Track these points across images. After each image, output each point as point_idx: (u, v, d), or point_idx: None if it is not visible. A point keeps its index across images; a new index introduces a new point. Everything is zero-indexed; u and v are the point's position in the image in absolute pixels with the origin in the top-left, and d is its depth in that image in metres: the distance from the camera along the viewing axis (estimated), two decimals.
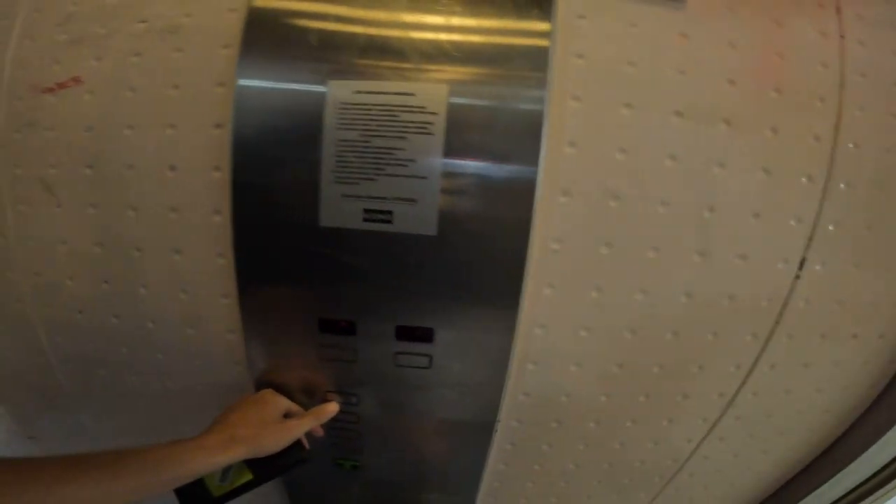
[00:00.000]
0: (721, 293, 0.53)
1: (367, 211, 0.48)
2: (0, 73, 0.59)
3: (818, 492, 0.75)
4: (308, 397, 0.58)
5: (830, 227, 0.54)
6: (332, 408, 0.57)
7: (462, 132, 0.47)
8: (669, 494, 0.75)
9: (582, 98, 0.50)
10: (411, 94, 0.47)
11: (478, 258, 0.49)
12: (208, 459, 0.48)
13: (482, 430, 0.60)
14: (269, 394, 0.56)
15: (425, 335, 0.52)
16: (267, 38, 0.49)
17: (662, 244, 0.51)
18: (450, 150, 0.47)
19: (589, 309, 0.54)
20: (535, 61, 0.48)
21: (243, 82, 0.49)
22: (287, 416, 0.56)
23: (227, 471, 0.54)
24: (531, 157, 0.48)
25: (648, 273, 0.52)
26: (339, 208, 0.48)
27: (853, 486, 0.74)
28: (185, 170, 0.54)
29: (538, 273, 0.52)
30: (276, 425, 0.54)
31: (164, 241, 0.56)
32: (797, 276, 0.54)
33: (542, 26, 0.48)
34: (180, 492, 0.51)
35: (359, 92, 0.47)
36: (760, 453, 0.71)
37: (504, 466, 0.69)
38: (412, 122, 0.48)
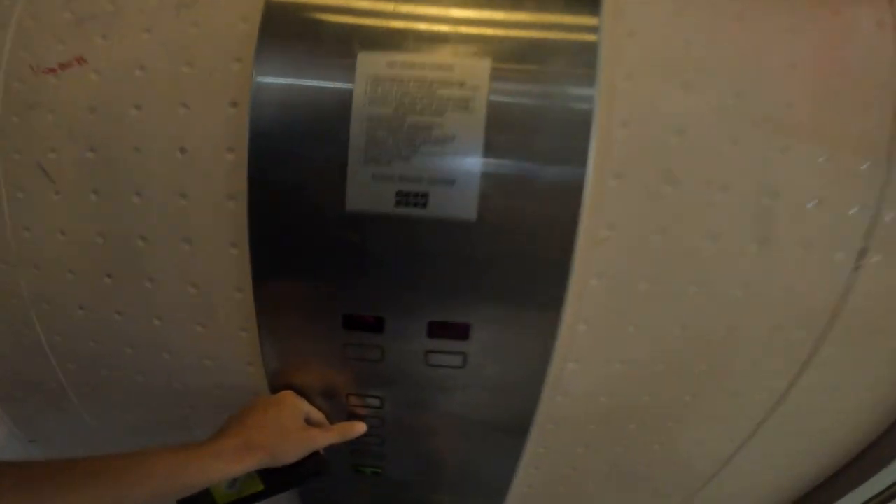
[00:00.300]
0: (779, 284, 0.48)
1: (399, 193, 0.43)
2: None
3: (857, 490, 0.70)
4: (328, 400, 0.52)
5: (892, 215, 0.49)
6: (360, 428, 0.52)
7: (505, 109, 0.42)
8: (706, 495, 0.70)
9: (634, 77, 0.44)
10: (450, 68, 0.42)
11: (520, 246, 0.44)
12: (223, 469, 0.43)
13: (516, 433, 0.54)
14: (289, 396, 0.51)
15: (461, 332, 0.47)
16: (289, 8, 0.44)
17: (720, 232, 0.46)
18: (492, 128, 0.42)
19: (638, 303, 0.48)
20: (584, 45, 0.42)
21: (263, 56, 0.44)
22: (308, 421, 0.51)
23: (235, 477, 0.48)
24: (581, 136, 0.42)
25: (704, 263, 0.47)
26: (368, 190, 0.43)
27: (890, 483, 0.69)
28: (196, 152, 0.48)
29: (585, 263, 0.46)
30: (297, 434, 0.49)
31: (172, 229, 0.50)
32: (856, 267, 0.49)
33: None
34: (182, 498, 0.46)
35: (393, 64, 0.42)
36: (803, 452, 0.66)
37: (535, 470, 0.64)
38: (451, 97, 0.42)
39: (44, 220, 0.52)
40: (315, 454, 0.50)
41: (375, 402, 0.52)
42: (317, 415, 0.52)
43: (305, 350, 0.50)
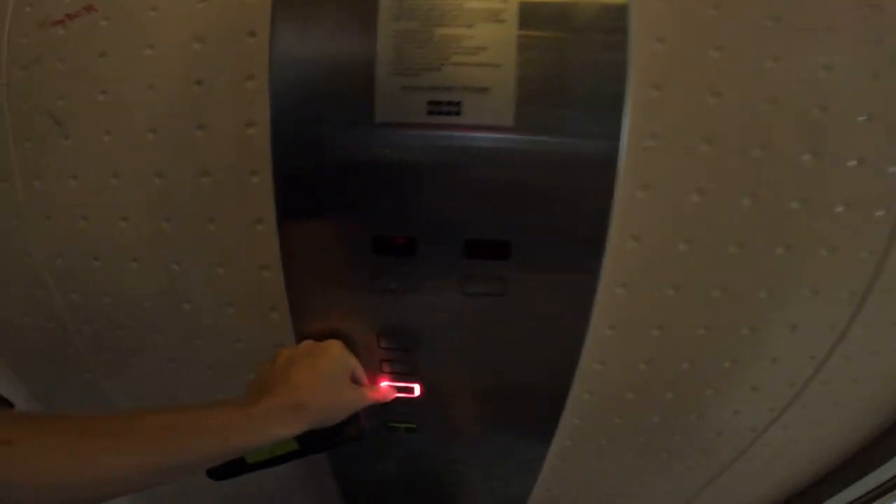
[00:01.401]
0: (835, 200, 0.43)
1: (431, 103, 0.38)
2: (3, 11, 0.50)
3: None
4: (360, 347, 0.47)
5: None
6: (392, 394, 0.49)
7: (538, 16, 0.38)
8: (735, 470, 0.64)
9: None
10: None
11: (561, 153, 0.38)
12: (275, 433, 0.37)
13: (554, 396, 0.48)
14: (336, 347, 0.44)
15: (500, 250, 0.41)
16: None
17: (769, 143, 0.41)
18: (525, 37, 0.38)
19: (689, 216, 0.43)
20: None
21: None
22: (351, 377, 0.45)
23: None
24: (618, 45, 0.38)
25: (755, 174, 0.42)
26: (398, 101, 0.38)
27: None
28: (212, 82, 0.44)
29: (631, 173, 0.41)
30: (346, 394, 0.43)
31: (189, 163, 0.45)
32: None
33: None
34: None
35: None
36: (836, 426, 0.61)
37: (569, 442, 0.57)
38: (481, 9, 0.39)
39: (55, 166, 0.48)
40: (354, 415, 0.44)
41: (409, 342, 0.46)
42: (360, 370, 0.45)
43: (333, 284, 0.43)
